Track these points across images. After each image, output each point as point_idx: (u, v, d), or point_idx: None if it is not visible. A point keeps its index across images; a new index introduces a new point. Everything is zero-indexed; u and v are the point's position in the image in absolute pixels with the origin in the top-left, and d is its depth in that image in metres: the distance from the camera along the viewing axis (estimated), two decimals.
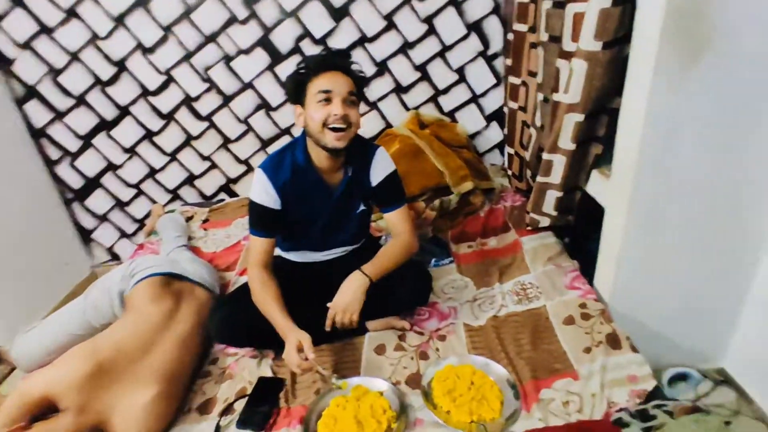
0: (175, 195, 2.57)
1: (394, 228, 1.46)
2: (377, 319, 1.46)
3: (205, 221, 2.32)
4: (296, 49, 2.21)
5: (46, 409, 1.12)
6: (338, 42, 2.19)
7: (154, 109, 2.33)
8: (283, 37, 2.19)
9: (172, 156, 2.45)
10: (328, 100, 1.24)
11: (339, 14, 2.14)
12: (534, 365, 1.27)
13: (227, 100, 2.31)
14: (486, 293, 1.58)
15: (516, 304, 1.51)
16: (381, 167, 1.43)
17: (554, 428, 1.07)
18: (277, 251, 1.56)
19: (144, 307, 1.39)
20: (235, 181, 2.54)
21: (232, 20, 2.15)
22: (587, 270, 1.59)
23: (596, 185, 1.52)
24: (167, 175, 2.50)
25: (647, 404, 1.08)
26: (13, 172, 2.26)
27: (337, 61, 1.30)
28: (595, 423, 1.06)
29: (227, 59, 2.23)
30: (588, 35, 1.23)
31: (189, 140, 2.41)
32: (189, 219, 2.33)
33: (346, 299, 1.30)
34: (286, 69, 2.23)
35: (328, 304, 1.32)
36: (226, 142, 2.42)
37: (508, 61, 2.03)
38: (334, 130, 1.24)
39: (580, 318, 1.38)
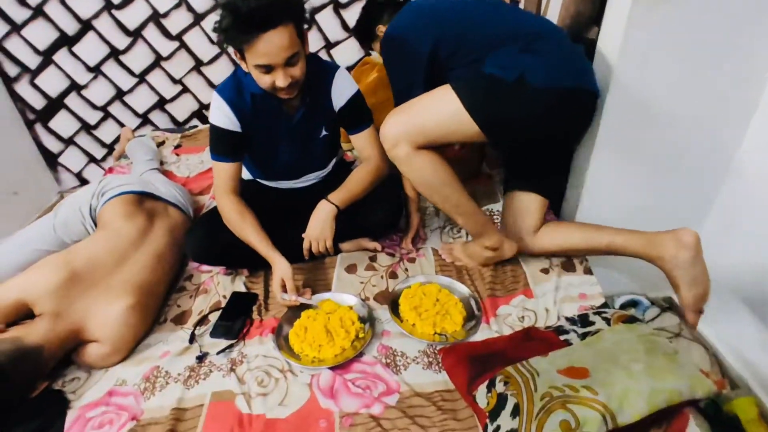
0: (145, 119, 2.49)
1: (362, 151, 1.44)
2: (350, 240, 1.51)
3: (177, 147, 2.28)
4: None
5: (22, 315, 1.14)
6: None
7: (120, 24, 2.20)
8: None
9: (141, 78, 2.35)
10: (268, 70, 1.15)
11: None
12: (494, 284, 1.35)
13: (198, 18, 2.20)
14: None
15: None
16: (342, 90, 1.36)
17: (504, 337, 1.16)
18: (249, 175, 1.56)
19: (117, 223, 1.39)
20: (209, 106, 2.46)
21: None
22: (556, 202, 1.65)
23: None
24: (136, 98, 2.41)
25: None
26: None
27: (265, 16, 1.07)
28: (537, 331, 1.15)
29: None
30: None
31: (158, 61, 2.31)
32: (160, 144, 2.28)
33: (317, 229, 1.33)
34: None
35: (303, 235, 1.35)
36: (199, 64, 2.32)
37: None
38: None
39: None
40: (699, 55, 1.21)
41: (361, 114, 1.41)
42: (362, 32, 1.58)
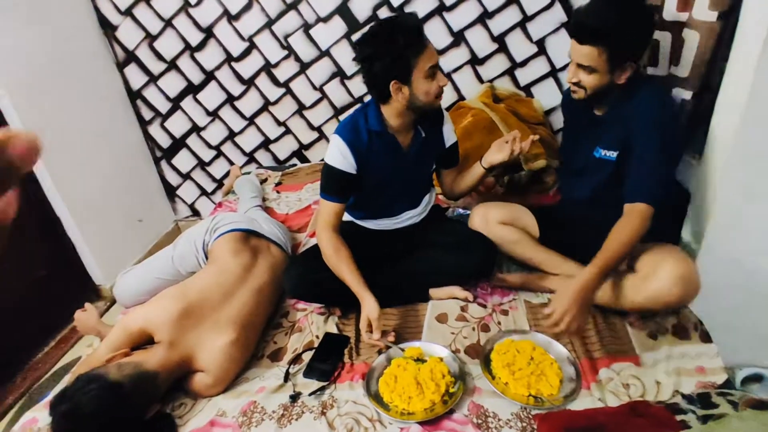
0: (251, 158, 2.71)
1: (448, 184, 1.63)
2: (441, 287, 1.50)
3: (278, 184, 2.44)
4: (373, 17, 2.21)
5: (145, 341, 1.27)
6: (415, 10, 2.16)
7: (237, 74, 2.45)
8: (361, 6, 2.20)
9: (251, 120, 2.58)
10: (433, 72, 1.29)
11: None
12: (595, 347, 1.26)
13: (304, 67, 2.38)
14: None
15: None
16: (451, 129, 1.55)
17: (607, 409, 1.07)
18: (348, 217, 1.62)
19: (225, 258, 1.51)
20: (307, 147, 2.63)
21: None
22: None
23: (684, 170, 1.43)
24: (245, 138, 2.64)
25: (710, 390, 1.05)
26: (112, 129, 2.50)
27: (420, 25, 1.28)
28: (646, 406, 1.04)
29: (306, 27, 2.28)
30: (702, 4, 1.14)
31: (266, 105, 2.52)
32: (263, 181, 2.46)
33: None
34: None
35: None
36: (301, 108, 2.50)
37: None
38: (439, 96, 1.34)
39: None
40: None
41: (458, 152, 1.61)
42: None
